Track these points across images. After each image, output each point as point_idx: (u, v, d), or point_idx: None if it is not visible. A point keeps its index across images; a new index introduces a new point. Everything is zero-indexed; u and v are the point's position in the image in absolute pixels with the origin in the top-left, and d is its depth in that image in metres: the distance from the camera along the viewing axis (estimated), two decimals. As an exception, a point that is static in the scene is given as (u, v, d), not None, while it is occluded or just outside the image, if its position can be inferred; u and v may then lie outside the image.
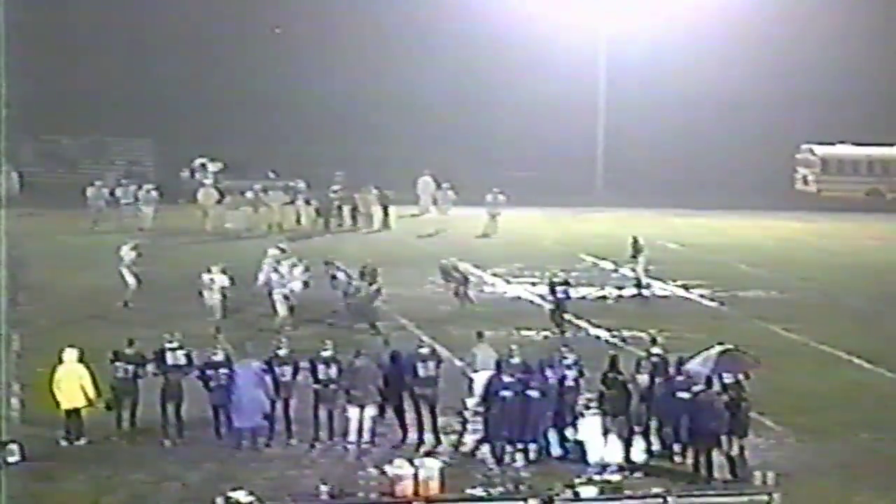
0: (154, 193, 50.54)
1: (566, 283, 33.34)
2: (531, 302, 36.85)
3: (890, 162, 66.79)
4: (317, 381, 23.01)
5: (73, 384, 22.57)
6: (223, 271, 32.72)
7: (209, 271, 32.68)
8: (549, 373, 22.78)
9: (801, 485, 20.92)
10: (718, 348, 23.44)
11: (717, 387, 22.30)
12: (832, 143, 66.53)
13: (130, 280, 34.49)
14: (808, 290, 40.42)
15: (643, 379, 23.10)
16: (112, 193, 50.72)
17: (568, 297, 33.25)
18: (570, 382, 22.86)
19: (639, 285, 38.12)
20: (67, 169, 61.37)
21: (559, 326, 32.40)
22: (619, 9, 64.46)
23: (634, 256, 38.33)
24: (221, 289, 32.41)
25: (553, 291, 33.07)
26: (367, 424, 22.79)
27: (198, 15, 69.90)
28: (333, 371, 22.99)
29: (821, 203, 63.98)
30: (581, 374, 23.12)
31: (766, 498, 19.83)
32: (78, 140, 64.35)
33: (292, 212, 51.11)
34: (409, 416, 23.31)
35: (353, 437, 22.75)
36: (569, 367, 22.97)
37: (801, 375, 28.59)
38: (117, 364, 22.94)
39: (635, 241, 38.53)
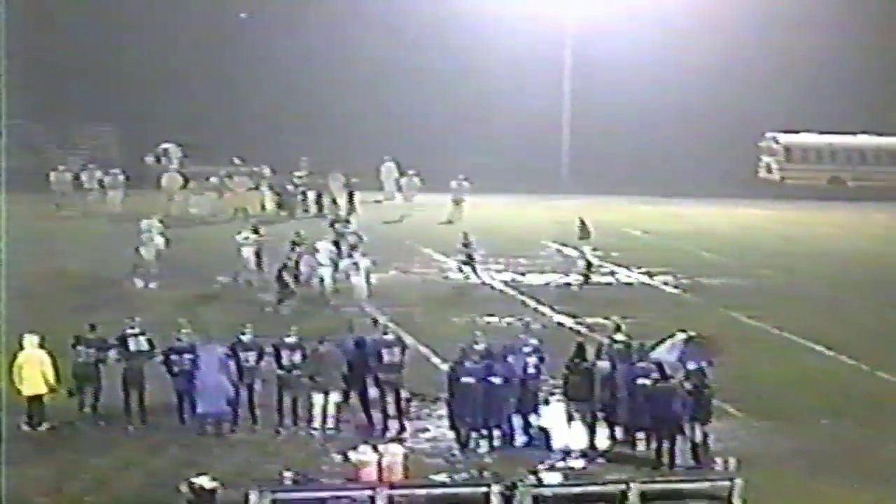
0: (121, 178, 50.37)
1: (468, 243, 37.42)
2: (493, 288, 36.96)
3: (852, 150, 67.16)
4: (281, 366, 22.98)
5: (34, 371, 22.43)
6: (161, 233, 35.94)
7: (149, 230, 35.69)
8: (511, 359, 22.83)
9: (762, 471, 21.03)
10: (682, 336, 23.44)
11: (680, 374, 22.39)
12: (796, 132, 66.82)
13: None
14: (770, 278, 40.64)
15: (605, 365, 23.09)
16: (76, 178, 50.49)
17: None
18: (531, 369, 22.93)
19: (589, 267, 38.14)
20: (31, 153, 60.89)
21: (465, 275, 37.24)
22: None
23: (582, 238, 38.54)
24: (157, 250, 35.35)
25: (467, 246, 37.11)
26: (331, 410, 22.78)
27: (163, -1, 69.54)
28: (297, 357, 22.97)
29: (784, 191, 64.32)
30: (542, 360, 23.18)
31: (728, 483, 19.95)
32: (41, 124, 63.88)
33: (257, 197, 51.01)
34: (374, 403, 23.32)
35: (317, 423, 22.75)
36: (530, 353, 23.05)
37: (763, 362, 28.75)
38: (79, 348, 22.85)
39: (583, 223, 38.61)
